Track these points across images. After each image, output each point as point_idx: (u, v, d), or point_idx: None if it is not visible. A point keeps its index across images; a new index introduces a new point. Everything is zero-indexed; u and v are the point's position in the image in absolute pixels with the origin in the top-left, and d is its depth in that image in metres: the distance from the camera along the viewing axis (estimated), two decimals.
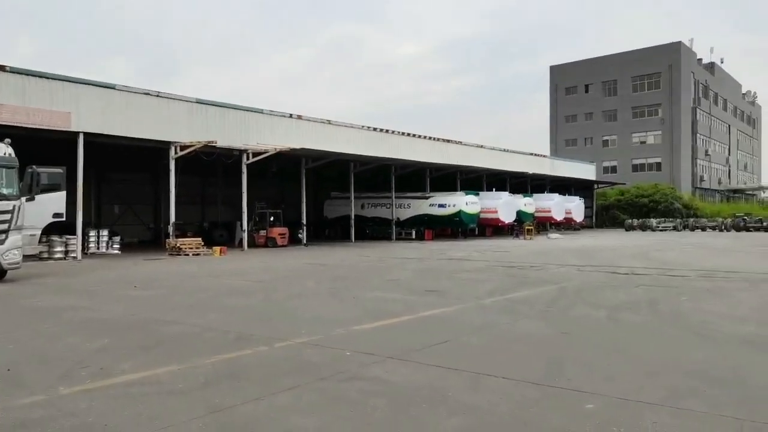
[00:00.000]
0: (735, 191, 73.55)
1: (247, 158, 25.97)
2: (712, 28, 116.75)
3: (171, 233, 23.98)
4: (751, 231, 41.65)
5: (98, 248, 24.09)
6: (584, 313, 8.80)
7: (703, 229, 44.34)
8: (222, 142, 25.29)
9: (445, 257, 20.63)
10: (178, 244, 22.98)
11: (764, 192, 75.67)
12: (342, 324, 7.91)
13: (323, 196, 39.79)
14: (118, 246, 24.77)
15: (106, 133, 22.11)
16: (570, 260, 18.61)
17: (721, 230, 43.09)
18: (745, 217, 44.79)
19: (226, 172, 31.76)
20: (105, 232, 24.93)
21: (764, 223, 42.21)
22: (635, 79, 65.05)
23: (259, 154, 25.89)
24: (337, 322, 8.02)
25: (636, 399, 4.75)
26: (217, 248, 23.19)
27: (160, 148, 24.39)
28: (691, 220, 46.62)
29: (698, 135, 66.63)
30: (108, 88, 22.93)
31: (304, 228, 29.41)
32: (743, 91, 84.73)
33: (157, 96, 24.39)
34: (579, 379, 5.34)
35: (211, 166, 29.34)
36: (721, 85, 74.19)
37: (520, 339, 7.07)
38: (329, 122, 31.58)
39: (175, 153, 24.01)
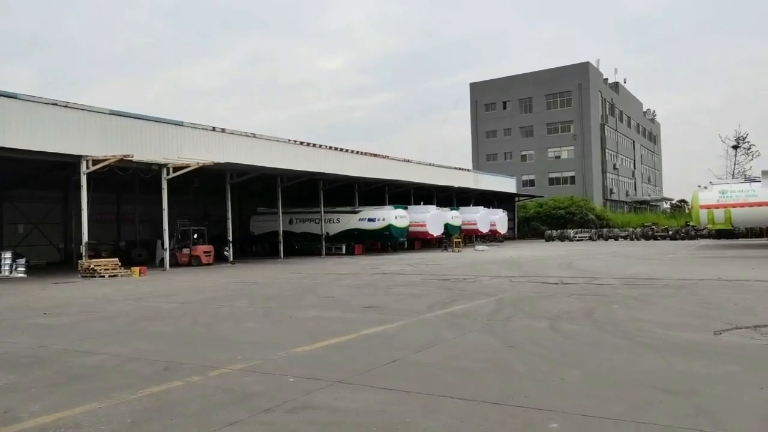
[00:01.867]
0: (641, 202, 78.88)
1: (168, 173, 25.00)
2: (611, 50, 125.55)
3: (83, 254, 22.36)
4: (658, 239, 44.55)
5: (0, 272, 21.94)
6: (526, 325, 8.83)
7: (616, 238, 46.90)
8: (140, 156, 24.12)
9: (379, 272, 20.55)
10: (92, 266, 21.49)
11: (666, 203, 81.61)
12: (280, 346, 7.53)
13: (249, 211, 38.86)
14: (23, 269, 22.75)
15: (4, 146, 20.23)
16: (501, 272, 18.98)
17: (632, 239, 45.74)
18: (653, 227, 47.87)
19: (144, 187, 30.38)
20: (8, 254, 22.87)
21: (669, 232, 45.26)
22: (549, 96, 68.53)
23: (180, 168, 25.02)
24: (275, 345, 7.66)
25: (598, 415, 4.64)
26: (136, 269, 22.08)
27: (70, 162, 22.74)
28: (605, 230, 49.21)
29: (607, 150, 71.01)
30: (8, 97, 21.04)
31: (231, 245, 28.61)
32: (644, 109, 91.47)
33: (66, 107, 22.73)
34: (536, 395, 5.18)
35: (128, 181, 27.95)
36: (625, 103, 79.73)
37: (469, 355, 6.93)
38: (254, 136, 30.99)
39: (87, 168, 22.50)
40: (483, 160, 71.70)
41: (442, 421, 4.56)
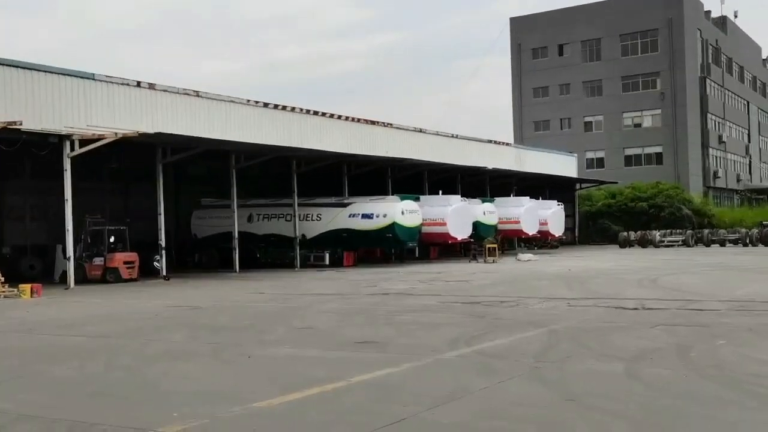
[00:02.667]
0: (759, 191, 78.63)
1: (72, 148, 25.07)
2: None
3: None
4: None
5: None
6: (591, 369, 8.90)
7: (722, 243, 46.95)
8: (30, 123, 24.05)
9: (378, 291, 20.69)
10: None
11: None
12: (235, 399, 7.60)
13: (190, 204, 38.90)
14: None
15: None
16: (554, 291, 19.14)
17: (745, 244, 45.78)
18: None
19: (38, 170, 30.32)
20: None
21: None
22: (625, 38, 68.63)
23: (91, 141, 25.09)
24: (227, 397, 7.76)
25: None
26: (26, 286, 22.15)
27: None
28: (706, 231, 49.22)
29: (709, 116, 71.10)
30: None
31: (164, 252, 28.75)
32: (764, 56, 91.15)
33: None
34: None
35: (14, 160, 27.82)
36: (736, 47, 79.70)
37: (509, 412, 6.96)
38: (198, 94, 31.12)
39: None
40: (529, 130, 71.85)
41: None
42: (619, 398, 7.37)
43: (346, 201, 35.75)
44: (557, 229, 47.21)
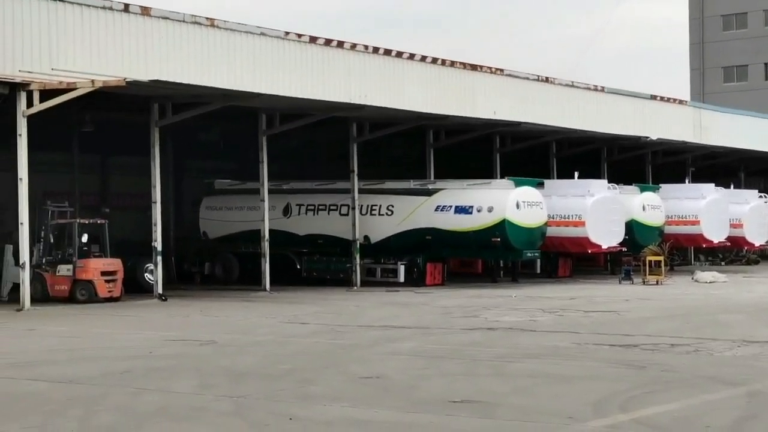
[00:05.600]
0: None
1: (29, 103, 25.52)
2: None
3: None
4: None
5: None
6: None
7: None
8: None
9: (480, 325, 20.64)
10: None
11: None
12: None
13: (199, 187, 39.32)
14: None
15: None
16: (755, 331, 18.83)
17: None
18: None
19: None
20: None
21: None
22: None
23: (57, 93, 25.58)
24: None
25: None
26: None
27: None
28: None
29: None
30: None
31: (159, 259, 28.87)
32: None
33: None
34: None
35: None
36: None
37: None
38: (212, 24, 31.10)
39: None
40: (715, 81, 70.64)
41: None
42: None
43: (431, 186, 35.58)
44: (758, 234, 46.23)
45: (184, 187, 39.35)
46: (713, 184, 45.00)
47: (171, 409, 11.08)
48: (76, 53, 27.28)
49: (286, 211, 36.08)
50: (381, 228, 35.28)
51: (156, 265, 28.73)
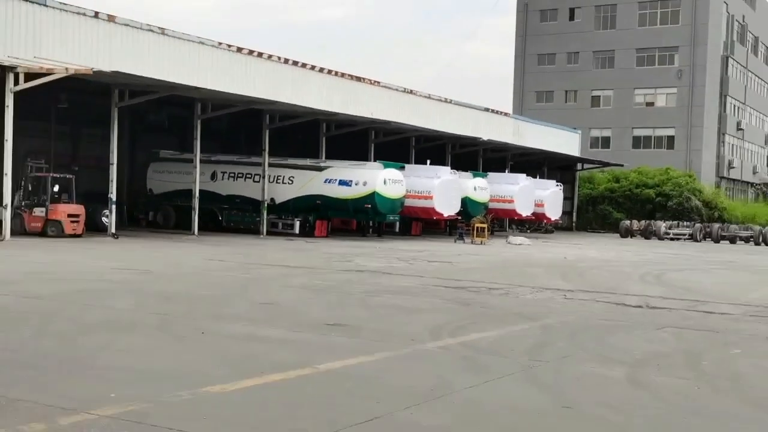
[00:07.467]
0: None
1: (16, 82, 25.03)
2: None
3: None
4: None
5: None
6: (591, 372, 8.78)
7: (733, 240, 47.19)
8: None
9: (353, 267, 20.67)
10: None
11: None
12: (184, 381, 7.45)
13: (148, 155, 38.74)
14: None
15: None
16: (549, 281, 19.10)
17: (757, 243, 46.03)
18: None
19: None
20: None
21: None
22: (644, 5, 68.41)
23: (38, 76, 25.14)
24: (174, 378, 7.63)
25: None
26: None
27: None
28: (716, 225, 49.36)
29: (729, 99, 71.35)
30: None
31: (114, 207, 28.64)
32: None
33: None
34: None
35: None
36: (764, 25, 79.82)
37: (497, 417, 6.86)
38: (163, 32, 30.87)
39: None
40: (530, 101, 71.68)
41: None
42: (623, 409, 7.21)
43: (322, 164, 35.50)
44: (554, 212, 47.15)
45: (137, 154, 39.33)
46: (525, 174, 45.71)
47: (112, 322, 10.94)
48: (55, 46, 27.01)
49: (213, 176, 35.94)
50: (284, 193, 35.26)
51: (111, 212, 28.69)
